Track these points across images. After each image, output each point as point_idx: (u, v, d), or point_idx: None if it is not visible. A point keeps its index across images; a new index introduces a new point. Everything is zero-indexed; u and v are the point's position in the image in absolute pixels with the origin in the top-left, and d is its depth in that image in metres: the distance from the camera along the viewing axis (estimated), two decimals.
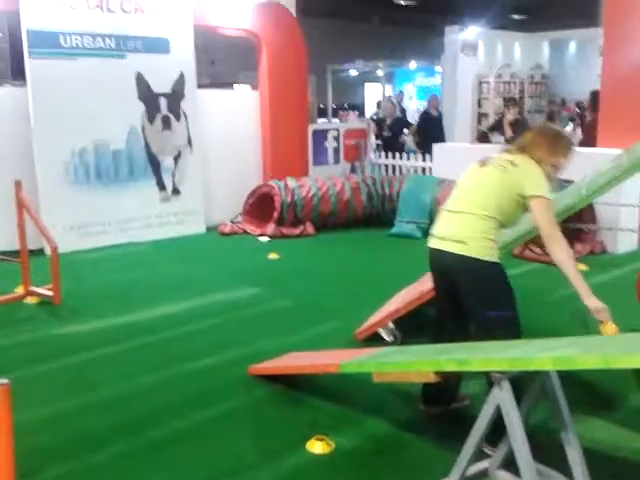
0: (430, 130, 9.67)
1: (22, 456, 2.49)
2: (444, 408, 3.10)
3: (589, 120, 8.67)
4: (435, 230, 2.91)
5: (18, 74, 7.13)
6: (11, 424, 1.37)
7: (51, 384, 3.52)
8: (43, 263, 5.04)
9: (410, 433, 2.98)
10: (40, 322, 4.48)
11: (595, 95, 8.96)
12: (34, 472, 2.64)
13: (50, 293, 4.73)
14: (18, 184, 4.79)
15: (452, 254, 2.74)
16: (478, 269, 2.71)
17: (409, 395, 3.28)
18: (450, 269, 2.80)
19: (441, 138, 9.60)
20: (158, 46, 6.90)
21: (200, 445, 2.91)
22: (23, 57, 6.12)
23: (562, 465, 2.38)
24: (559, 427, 2.39)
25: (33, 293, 4.86)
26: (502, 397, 2.25)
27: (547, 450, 2.52)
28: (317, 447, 2.85)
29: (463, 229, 2.76)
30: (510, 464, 2.41)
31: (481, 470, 2.64)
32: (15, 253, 5.23)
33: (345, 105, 18.02)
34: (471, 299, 2.77)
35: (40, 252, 5.84)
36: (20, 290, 4.95)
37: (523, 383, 2.51)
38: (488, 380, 2.43)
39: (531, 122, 13.28)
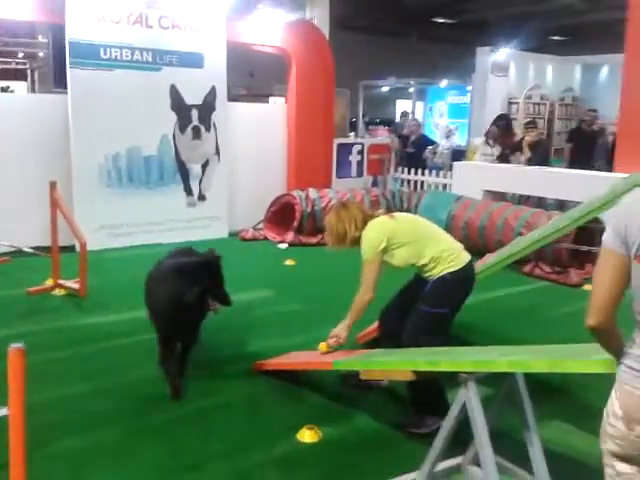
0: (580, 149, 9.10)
1: (37, 431, 2.81)
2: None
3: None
4: (461, 246, 3.35)
5: (60, 82, 7.58)
6: (23, 384, 1.65)
7: (68, 368, 3.84)
8: (73, 259, 5.37)
9: (394, 429, 3.20)
10: (65, 312, 4.84)
11: (507, 119, 9.15)
12: (45, 445, 2.93)
13: (76, 286, 5.09)
14: (53, 184, 5.17)
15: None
16: None
17: (396, 395, 3.51)
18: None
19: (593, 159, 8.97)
20: (193, 61, 7.28)
21: (199, 430, 3.18)
22: (65, 66, 6.56)
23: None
24: (523, 427, 2.58)
25: (61, 286, 5.23)
26: (468, 396, 2.46)
27: (517, 451, 2.72)
28: (306, 436, 3.10)
29: None
30: None
31: (454, 465, 2.85)
32: (47, 249, 5.62)
33: (377, 120, 18.25)
34: None
35: (71, 249, 6.21)
36: (49, 282, 5.32)
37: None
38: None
39: (558, 143, 13.38)
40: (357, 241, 3.31)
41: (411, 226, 3.33)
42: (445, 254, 3.19)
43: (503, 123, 8.77)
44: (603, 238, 1.68)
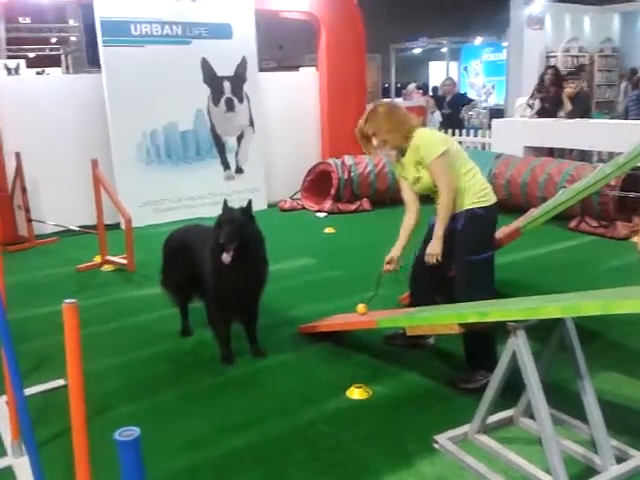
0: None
1: (95, 399, 2.91)
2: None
3: (552, 95, 8.27)
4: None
5: (93, 62, 7.66)
6: (79, 341, 1.67)
7: (123, 338, 3.96)
8: (119, 236, 5.51)
9: (443, 385, 3.20)
10: (115, 286, 4.96)
11: (556, 70, 8.64)
12: (106, 411, 3.03)
13: (124, 261, 5.21)
14: (94, 162, 5.27)
15: None
16: None
17: (443, 352, 3.51)
18: None
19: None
20: (221, 32, 7.26)
21: (251, 391, 3.25)
22: (97, 46, 6.63)
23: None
24: (575, 375, 2.55)
25: (109, 262, 5.36)
26: (517, 344, 2.44)
27: (569, 404, 2.70)
28: (356, 394, 3.13)
29: None
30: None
31: (506, 417, 2.85)
32: (94, 227, 5.76)
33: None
34: None
35: (117, 227, 6.36)
36: (97, 259, 5.46)
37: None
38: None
39: (599, 96, 12.93)
40: (406, 141, 3.20)
41: (457, 147, 3.25)
42: (476, 187, 3.15)
43: (552, 73, 8.31)
44: None
